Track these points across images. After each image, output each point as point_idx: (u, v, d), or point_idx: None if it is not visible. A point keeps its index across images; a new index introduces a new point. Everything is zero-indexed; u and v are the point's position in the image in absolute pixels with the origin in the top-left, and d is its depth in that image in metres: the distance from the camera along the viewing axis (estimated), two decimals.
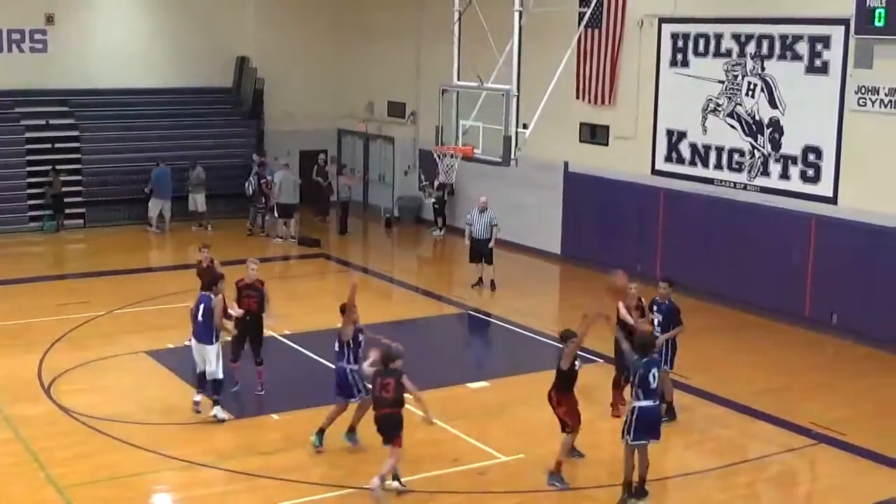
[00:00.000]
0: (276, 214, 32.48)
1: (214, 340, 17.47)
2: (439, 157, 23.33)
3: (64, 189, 33.19)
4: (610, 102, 27.93)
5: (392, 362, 14.89)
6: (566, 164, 29.32)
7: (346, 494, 15.14)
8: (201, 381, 17.71)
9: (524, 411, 18.14)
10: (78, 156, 34.21)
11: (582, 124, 28.75)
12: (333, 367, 16.62)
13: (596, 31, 27.66)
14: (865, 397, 19.57)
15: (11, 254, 30.06)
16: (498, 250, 27.43)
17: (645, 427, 14.54)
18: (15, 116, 33.99)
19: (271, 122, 36.97)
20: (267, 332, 19.65)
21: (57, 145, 34.09)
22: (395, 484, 14.98)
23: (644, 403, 14.50)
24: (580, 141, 28.92)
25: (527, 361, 20.85)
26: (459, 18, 23.12)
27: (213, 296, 17.56)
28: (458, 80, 22.98)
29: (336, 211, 34.29)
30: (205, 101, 37.07)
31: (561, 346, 15.59)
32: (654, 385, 14.59)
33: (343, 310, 16.43)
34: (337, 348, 16.37)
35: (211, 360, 17.44)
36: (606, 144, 28.27)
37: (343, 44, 37.34)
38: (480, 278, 26.86)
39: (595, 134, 28.53)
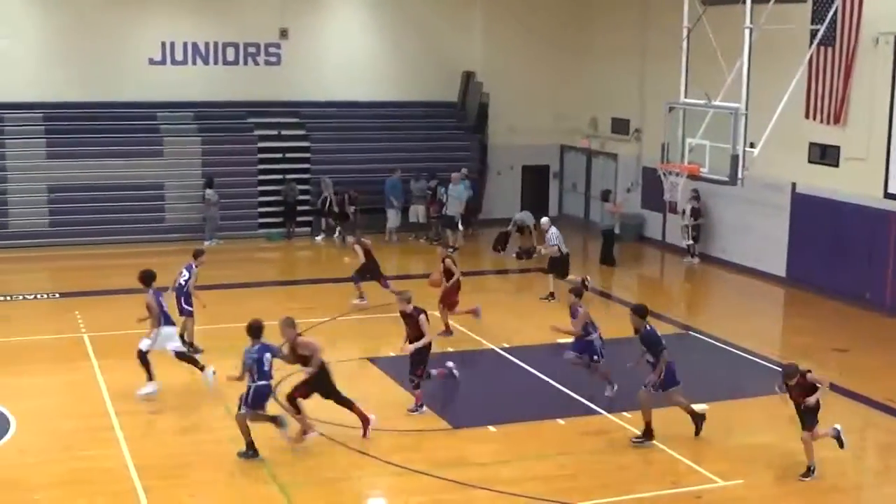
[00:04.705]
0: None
1: None
2: (664, 175, 23.19)
3: (297, 198, 34.33)
4: (841, 122, 27.11)
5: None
6: (794, 185, 28.59)
7: None
8: None
9: (744, 436, 17.78)
10: (307, 166, 35.21)
11: (811, 144, 27.95)
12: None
13: (829, 49, 26.89)
14: None
15: (242, 259, 31.12)
16: (720, 271, 27.17)
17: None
18: (249, 126, 35.25)
19: (494, 136, 37.27)
20: (486, 345, 19.96)
21: (287, 155, 35.20)
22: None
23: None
24: (809, 161, 28.13)
25: (747, 385, 20.43)
26: (688, 35, 22.96)
27: None
28: (686, 97, 22.78)
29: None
30: (430, 115, 37.64)
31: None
32: None
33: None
34: None
35: None
36: (837, 165, 27.40)
37: (567, 60, 37.34)
38: (552, 293, 26.47)
39: (825, 154, 27.69)
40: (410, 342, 18.45)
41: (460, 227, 32.92)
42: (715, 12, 23.52)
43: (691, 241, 31.32)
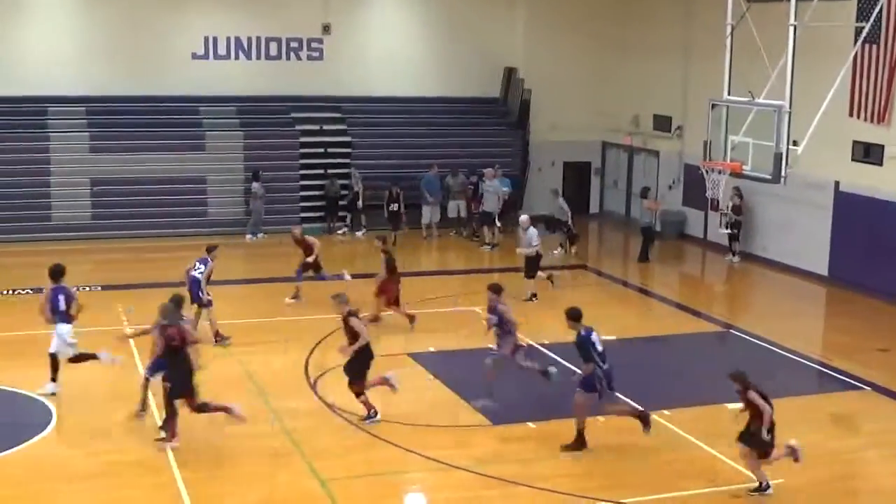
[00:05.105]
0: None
1: None
2: (706, 172, 23.08)
3: (341, 193, 34.38)
4: (885, 120, 26.87)
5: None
6: (837, 183, 28.36)
7: None
8: None
9: (785, 435, 17.60)
10: (348, 161, 35.25)
11: (855, 142, 27.71)
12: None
13: (874, 47, 26.67)
14: None
15: (282, 253, 31.11)
16: (762, 269, 27.06)
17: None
18: (290, 121, 35.37)
19: (536, 132, 37.20)
20: (525, 341, 19.99)
21: (329, 150, 35.27)
22: None
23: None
24: (852, 160, 27.91)
25: (788, 384, 20.27)
26: (732, 32, 22.83)
27: None
28: (729, 94, 22.65)
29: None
30: (472, 111, 37.65)
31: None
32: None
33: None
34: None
35: None
36: (880, 164, 27.18)
37: (609, 57, 37.22)
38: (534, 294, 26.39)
39: (869, 153, 27.46)
40: (349, 346, 18.10)
41: (497, 223, 32.84)
42: (759, 9, 23.36)
43: (730, 231, 31.01)
